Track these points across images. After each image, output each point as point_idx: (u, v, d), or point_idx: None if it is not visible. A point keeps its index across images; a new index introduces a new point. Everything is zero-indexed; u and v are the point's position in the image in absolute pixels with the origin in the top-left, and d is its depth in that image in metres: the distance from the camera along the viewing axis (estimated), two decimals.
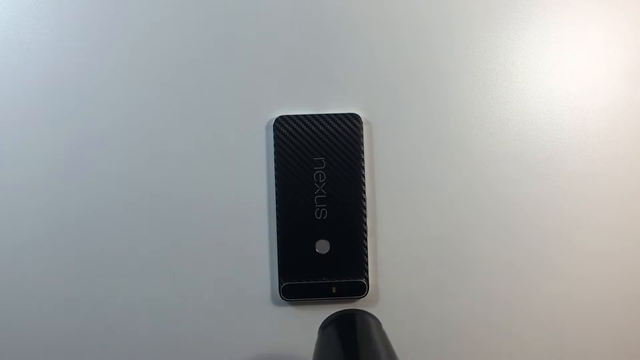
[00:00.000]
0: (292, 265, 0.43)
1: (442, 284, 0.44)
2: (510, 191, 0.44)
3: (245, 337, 0.43)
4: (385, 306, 0.44)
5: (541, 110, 0.44)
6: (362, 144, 0.43)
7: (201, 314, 0.43)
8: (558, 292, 0.44)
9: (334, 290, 0.43)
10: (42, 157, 0.43)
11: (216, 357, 0.43)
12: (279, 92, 0.44)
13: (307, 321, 0.43)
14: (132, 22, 0.43)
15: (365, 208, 0.43)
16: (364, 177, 0.43)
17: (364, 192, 0.43)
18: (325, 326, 0.33)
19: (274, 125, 0.43)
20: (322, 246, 0.43)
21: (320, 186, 0.43)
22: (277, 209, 0.43)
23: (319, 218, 0.43)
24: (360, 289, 0.43)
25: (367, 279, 0.43)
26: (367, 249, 0.43)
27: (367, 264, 0.43)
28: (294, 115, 0.43)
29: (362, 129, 0.43)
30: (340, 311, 0.33)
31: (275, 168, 0.43)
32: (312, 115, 0.43)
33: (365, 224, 0.43)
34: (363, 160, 0.43)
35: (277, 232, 0.43)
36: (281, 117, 0.43)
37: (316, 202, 0.43)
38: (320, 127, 0.43)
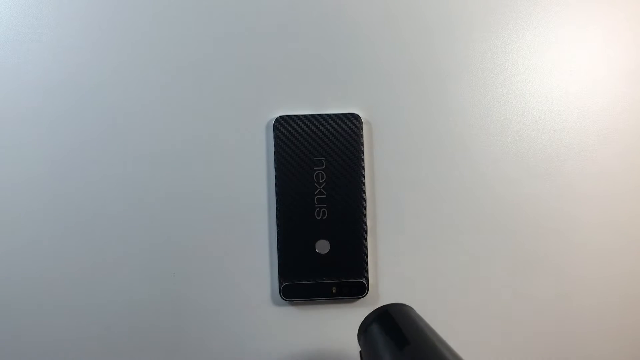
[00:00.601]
0: (292, 265, 0.43)
1: (441, 284, 0.44)
2: (510, 191, 0.44)
3: (245, 337, 0.43)
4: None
5: (541, 110, 0.44)
6: (362, 144, 0.43)
7: (201, 314, 0.43)
8: (558, 292, 0.44)
9: (334, 290, 0.43)
10: (43, 157, 0.43)
11: (216, 357, 0.43)
12: (279, 92, 0.44)
13: (307, 321, 0.43)
14: (132, 22, 0.43)
15: (365, 208, 0.43)
16: (364, 177, 0.43)
17: (364, 192, 0.43)
18: (365, 330, 0.32)
19: (274, 125, 0.43)
20: (322, 246, 0.43)
21: (320, 186, 0.43)
22: (277, 209, 0.43)
23: (319, 218, 0.43)
24: (360, 289, 0.43)
25: (367, 279, 0.43)
26: (367, 249, 0.43)
27: (367, 264, 0.43)
28: (294, 115, 0.43)
29: (362, 129, 0.43)
30: (373, 311, 0.33)
31: (275, 168, 0.43)
32: (312, 115, 0.43)
33: (365, 224, 0.43)
34: (363, 160, 0.43)
35: (277, 232, 0.43)
36: (281, 117, 0.43)
37: (316, 202, 0.43)
38: (320, 127, 0.43)
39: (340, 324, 0.43)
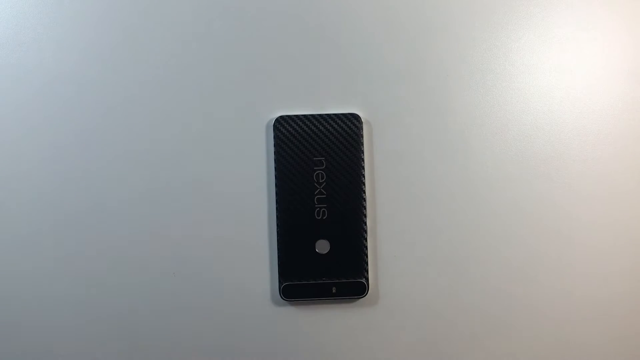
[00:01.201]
0: (292, 265, 0.43)
1: (442, 283, 0.44)
2: (510, 191, 0.44)
3: (244, 337, 0.43)
4: (385, 306, 0.44)
5: (541, 110, 0.44)
6: (362, 144, 0.43)
7: (201, 313, 0.43)
8: (558, 292, 0.44)
9: (334, 290, 0.43)
10: (43, 156, 0.43)
11: (216, 357, 0.43)
12: (279, 92, 0.44)
13: (307, 321, 0.43)
14: (132, 22, 0.43)
15: (365, 208, 0.43)
16: (364, 177, 0.43)
17: (364, 192, 0.43)
18: None
19: (274, 125, 0.43)
20: (322, 246, 0.43)
21: (320, 186, 0.43)
22: (277, 209, 0.43)
23: (319, 218, 0.43)
24: (360, 289, 0.43)
25: (367, 279, 0.43)
26: (367, 249, 0.43)
27: (367, 264, 0.43)
28: (294, 115, 0.43)
29: (362, 129, 0.43)
30: None
31: (275, 168, 0.43)
32: (312, 115, 0.43)
33: (365, 224, 0.43)
34: (363, 160, 0.43)
35: (277, 232, 0.43)
36: (281, 117, 0.43)
37: (316, 202, 0.43)
38: (320, 127, 0.43)
39: (340, 324, 0.43)
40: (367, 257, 0.43)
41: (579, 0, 0.44)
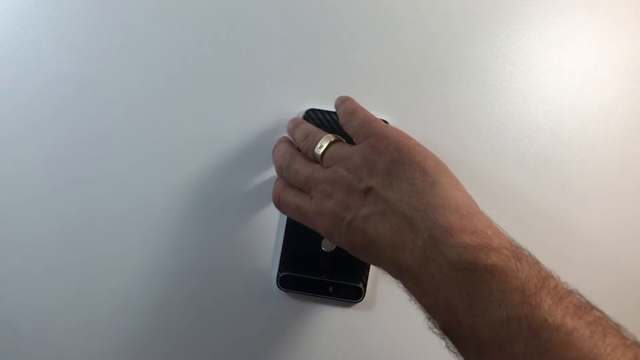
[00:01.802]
0: (294, 257, 0.43)
1: None
2: (510, 191, 0.44)
3: (244, 328, 0.43)
4: (379, 313, 0.43)
5: (541, 110, 0.44)
6: None
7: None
8: None
9: (330, 290, 0.42)
10: (43, 156, 0.43)
11: (214, 352, 0.43)
12: (279, 92, 0.44)
13: (303, 315, 0.43)
14: (137, 22, 0.43)
15: None
16: None
17: None
18: None
19: (304, 117, 0.43)
20: (329, 244, 0.43)
21: None
22: None
23: None
24: (356, 294, 0.42)
25: (364, 285, 0.43)
26: None
27: (368, 270, 0.43)
28: (325, 110, 0.43)
29: None
30: None
31: None
32: (320, 111, 0.43)
33: None
34: None
35: (287, 222, 0.43)
36: (312, 109, 0.43)
37: None
38: (326, 124, 0.43)
39: (333, 324, 0.43)
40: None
41: (579, 0, 0.44)
